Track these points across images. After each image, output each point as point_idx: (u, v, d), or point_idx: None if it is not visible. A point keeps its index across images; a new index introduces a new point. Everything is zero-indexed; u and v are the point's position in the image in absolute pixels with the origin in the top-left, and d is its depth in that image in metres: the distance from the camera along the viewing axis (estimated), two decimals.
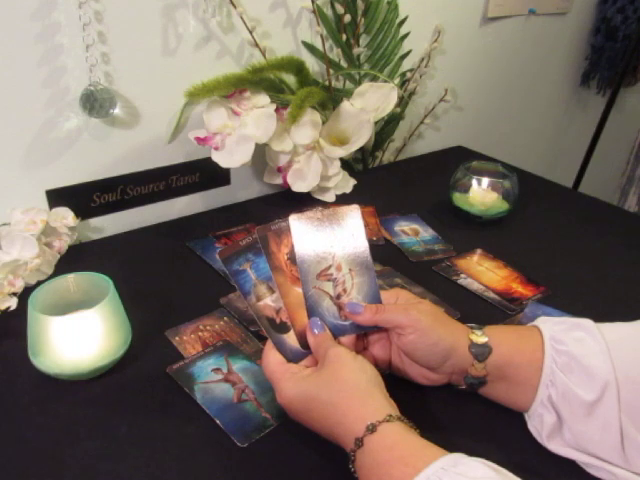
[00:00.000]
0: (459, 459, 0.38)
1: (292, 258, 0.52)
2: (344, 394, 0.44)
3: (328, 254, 0.53)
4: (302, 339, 0.51)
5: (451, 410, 0.53)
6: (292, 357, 0.50)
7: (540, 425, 0.48)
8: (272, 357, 0.50)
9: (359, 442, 0.41)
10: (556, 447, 0.47)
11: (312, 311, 0.51)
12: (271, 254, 0.52)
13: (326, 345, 0.49)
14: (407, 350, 0.50)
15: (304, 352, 0.51)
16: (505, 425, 0.51)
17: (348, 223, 0.54)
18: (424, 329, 0.49)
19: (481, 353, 0.48)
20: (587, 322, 0.48)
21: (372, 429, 0.41)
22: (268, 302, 0.52)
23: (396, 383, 0.49)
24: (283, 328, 0.51)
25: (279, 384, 0.48)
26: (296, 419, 0.48)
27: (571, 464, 0.47)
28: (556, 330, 0.49)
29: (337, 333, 0.51)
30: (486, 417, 0.52)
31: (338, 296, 0.52)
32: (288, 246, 0.52)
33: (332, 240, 0.53)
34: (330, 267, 0.53)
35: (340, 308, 0.52)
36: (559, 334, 0.48)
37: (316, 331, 0.50)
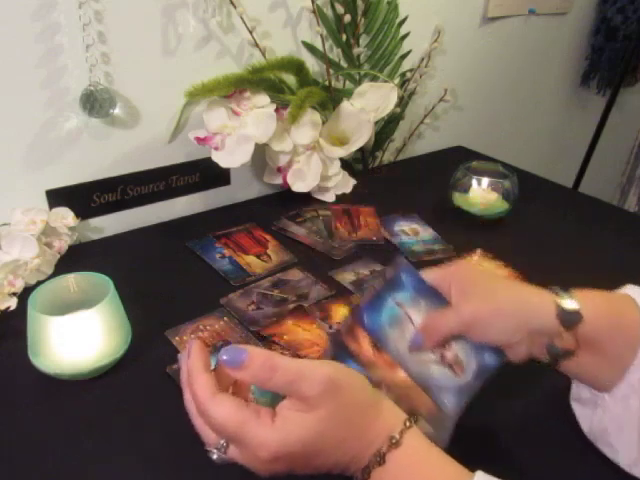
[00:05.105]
0: (481, 478, 0.36)
1: (376, 346, 0.46)
2: (352, 432, 0.37)
3: (406, 321, 0.47)
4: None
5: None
6: None
7: (625, 410, 0.42)
8: (228, 402, 0.36)
9: (380, 458, 0.36)
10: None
11: (426, 385, 0.45)
12: (356, 356, 0.45)
13: (298, 379, 0.36)
14: (492, 338, 0.45)
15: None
16: (507, 431, 0.51)
17: (401, 277, 0.47)
18: (494, 315, 0.44)
19: (570, 320, 0.43)
20: None
21: (396, 442, 0.37)
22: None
23: None
24: None
25: (257, 438, 0.35)
26: (283, 472, 0.38)
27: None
28: None
29: (468, 391, 0.45)
30: (486, 421, 0.52)
31: (442, 357, 0.46)
32: (366, 336, 0.46)
33: (401, 304, 0.47)
34: None
35: (451, 366, 0.46)
36: None
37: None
